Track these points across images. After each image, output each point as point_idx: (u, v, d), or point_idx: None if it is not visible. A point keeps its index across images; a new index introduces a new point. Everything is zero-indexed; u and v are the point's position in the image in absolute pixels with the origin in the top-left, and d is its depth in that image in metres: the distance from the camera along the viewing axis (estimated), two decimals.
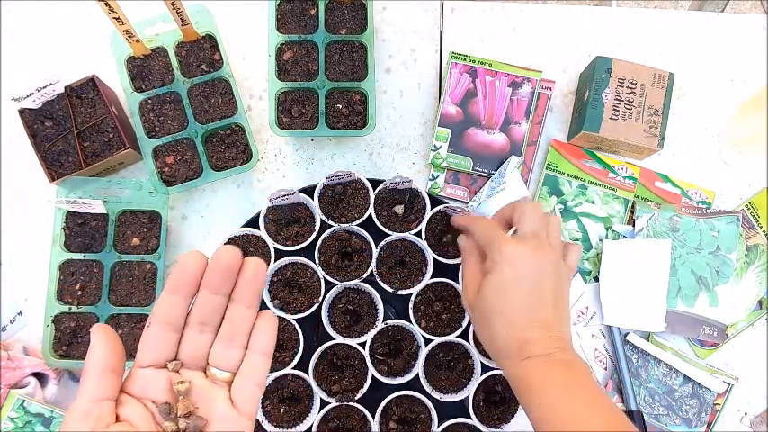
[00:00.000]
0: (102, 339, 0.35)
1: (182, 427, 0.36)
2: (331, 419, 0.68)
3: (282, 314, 0.69)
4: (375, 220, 0.70)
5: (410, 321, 0.69)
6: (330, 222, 0.70)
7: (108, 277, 0.71)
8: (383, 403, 0.68)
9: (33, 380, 0.69)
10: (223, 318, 0.39)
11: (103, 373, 0.35)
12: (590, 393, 0.52)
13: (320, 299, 0.69)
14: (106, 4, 0.61)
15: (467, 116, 0.75)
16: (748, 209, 0.76)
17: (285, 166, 0.78)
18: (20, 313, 0.74)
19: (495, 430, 0.69)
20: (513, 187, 0.75)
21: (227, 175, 0.71)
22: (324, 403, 0.68)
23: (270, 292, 0.70)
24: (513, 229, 0.59)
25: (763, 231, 0.76)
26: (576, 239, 0.76)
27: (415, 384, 0.68)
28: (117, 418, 0.35)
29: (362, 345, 0.68)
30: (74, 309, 0.70)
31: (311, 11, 0.73)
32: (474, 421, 0.68)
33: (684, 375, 0.73)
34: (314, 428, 0.67)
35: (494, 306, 0.56)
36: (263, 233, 0.70)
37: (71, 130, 0.71)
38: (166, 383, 0.37)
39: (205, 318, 0.38)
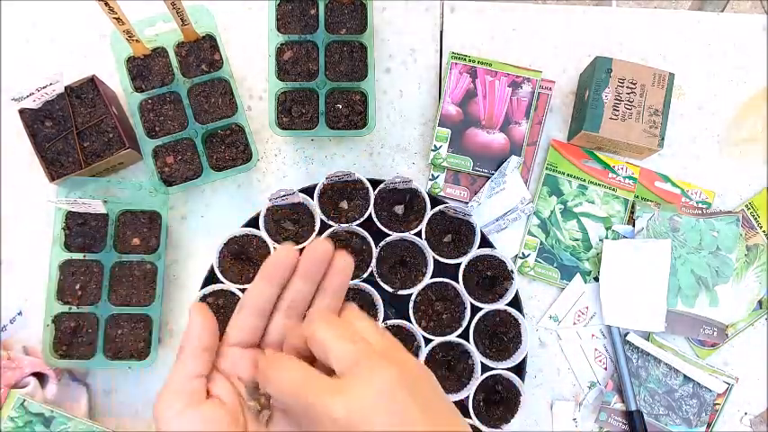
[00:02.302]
0: (199, 319, 0.37)
1: (264, 404, 0.37)
2: None
3: None
4: (375, 220, 0.70)
5: (410, 321, 0.69)
6: (330, 222, 0.70)
7: (108, 277, 0.71)
8: None
9: (33, 380, 0.69)
10: (309, 306, 0.40)
11: (199, 351, 0.37)
12: None
13: None
14: (106, 4, 0.61)
15: (467, 116, 0.75)
16: (748, 209, 0.76)
17: (285, 166, 0.78)
18: (20, 313, 0.74)
19: (496, 430, 0.69)
20: (513, 187, 0.75)
21: (227, 175, 0.71)
22: None
23: None
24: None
25: (763, 231, 0.76)
26: (576, 239, 0.76)
27: None
28: (208, 394, 0.37)
29: None
30: (74, 309, 0.70)
31: (311, 11, 0.73)
32: (474, 421, 0.68)
33: (684, 375, 0.73)
34: None
35: None
36: (262, 233, 0.70)
37: (71, 130, 0.71)
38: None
39: (295, 303, 0.39)
